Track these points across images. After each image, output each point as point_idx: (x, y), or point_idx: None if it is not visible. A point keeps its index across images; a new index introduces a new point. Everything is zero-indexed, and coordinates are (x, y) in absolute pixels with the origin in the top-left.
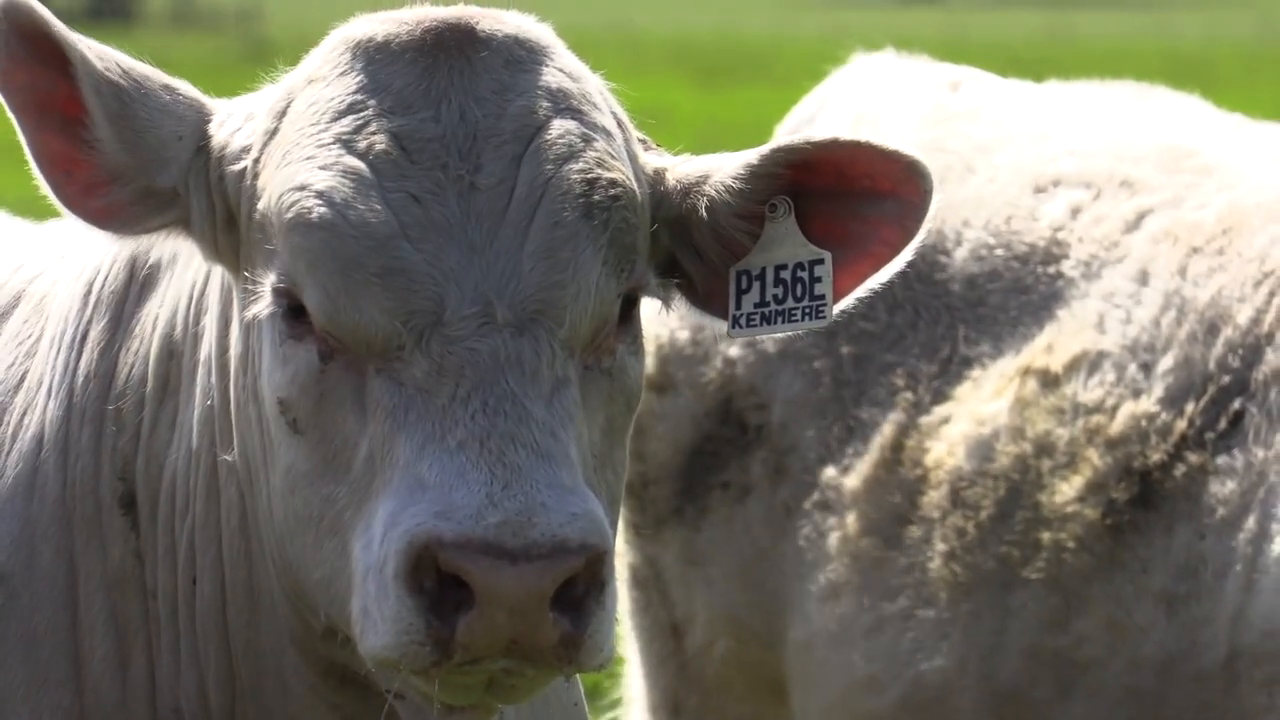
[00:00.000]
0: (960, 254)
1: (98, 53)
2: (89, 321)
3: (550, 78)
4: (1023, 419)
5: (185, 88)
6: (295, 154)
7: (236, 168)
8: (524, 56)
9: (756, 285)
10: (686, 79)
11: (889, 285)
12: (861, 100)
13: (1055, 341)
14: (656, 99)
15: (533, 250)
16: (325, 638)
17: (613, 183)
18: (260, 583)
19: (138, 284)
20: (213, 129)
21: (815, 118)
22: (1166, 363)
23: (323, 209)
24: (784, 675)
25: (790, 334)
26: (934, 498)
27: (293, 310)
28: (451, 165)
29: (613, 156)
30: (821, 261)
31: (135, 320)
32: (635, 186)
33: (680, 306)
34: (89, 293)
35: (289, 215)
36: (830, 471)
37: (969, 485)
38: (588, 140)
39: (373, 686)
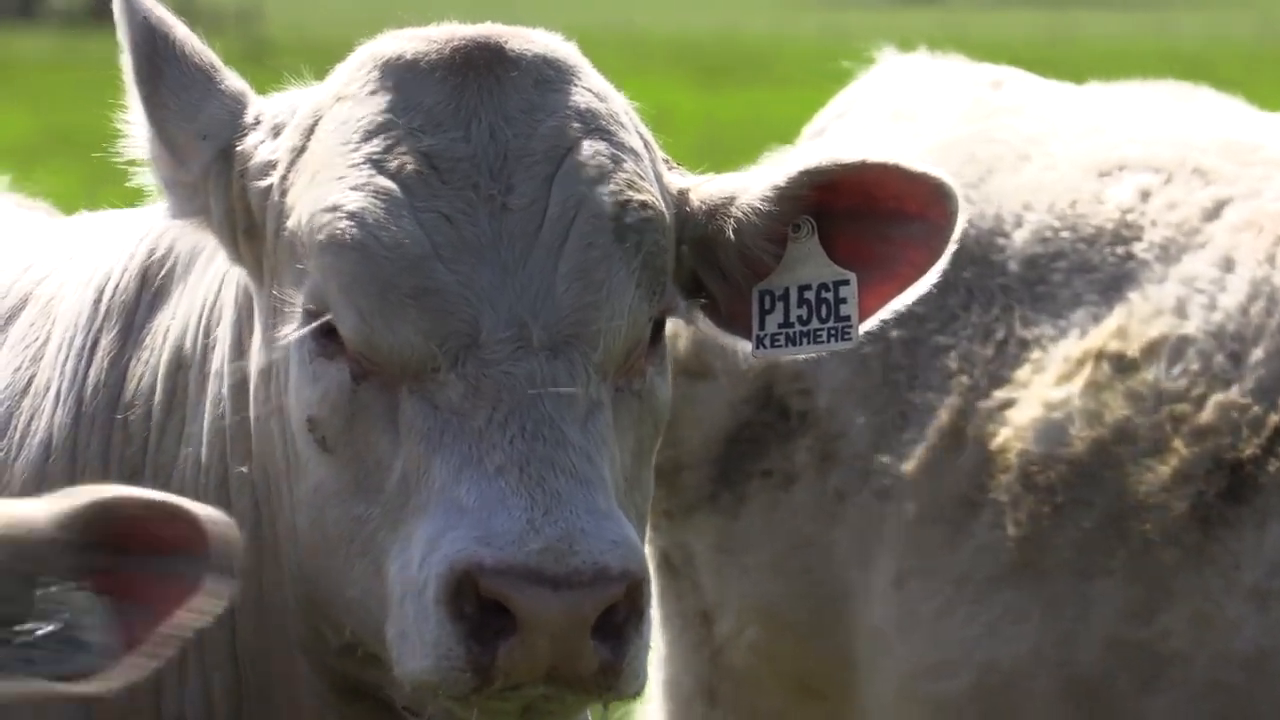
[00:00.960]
0: (1021, 235)
1: (156, 31)
2: (100, 330)
3: (579, 98)
4: (1098, 403)
5: (229, 81)
6: (326, 174)
7: (262, 183)
8: (553, 76)
9: (780, 305)
10: (687, 79)
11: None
12: (897, 97)
13: (1128, 325)
14: (656, 99)
15: (566, 272)
16: (342, 653)
17: (644, 205)
18: (270, 594)
19: (150, 293)
20: (240, 134)
21: (847, 114)
22: (1258, 354)
23: (355, 230)
24: (820, 668)
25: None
26: (1002, 481)
27: (323, 329)
28: (482, 185)
29: (642, 178)
30: (846, 282)
31: (146, 331)
32: (664, 209)
33: (704, 326)
34: (99, 299)
35: (321, 237)
36: (885, 458)
37: (1041, 470)
38: (618, 161)
39: (384, 700)
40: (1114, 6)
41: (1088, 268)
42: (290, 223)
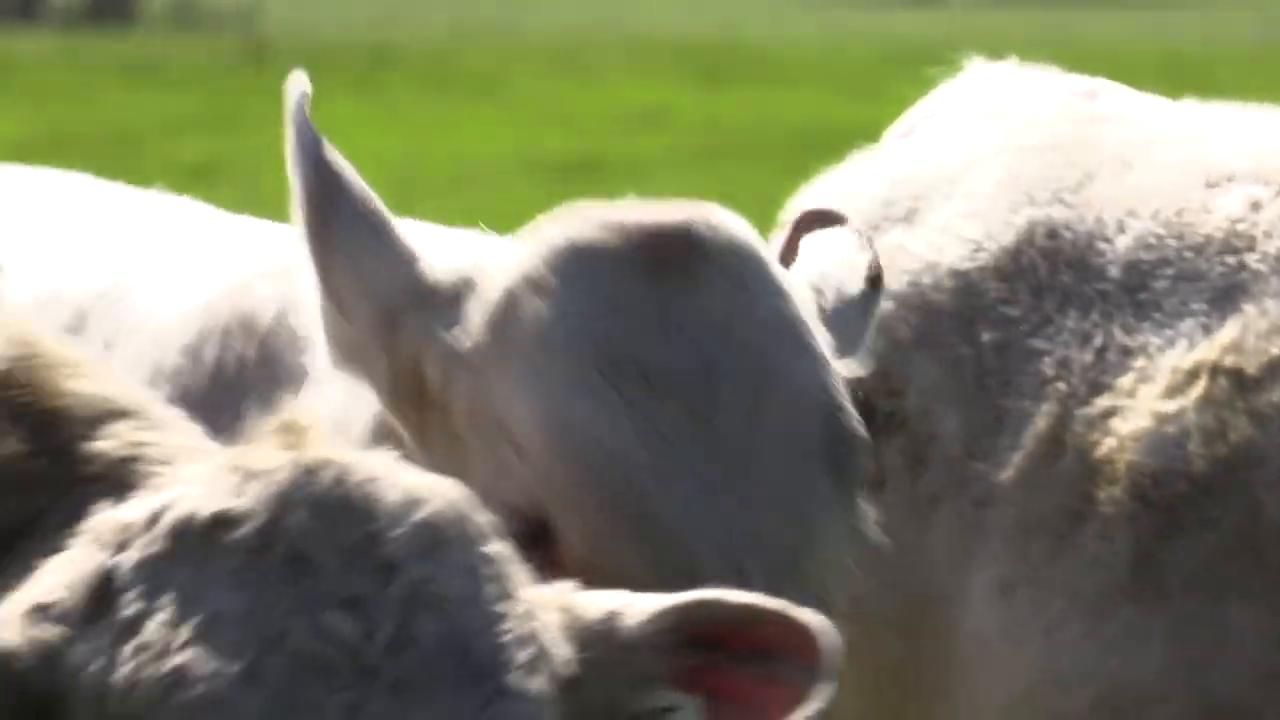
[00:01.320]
0: (1123, 241)
1: (330, 180)
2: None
3: (773, 301)
4: (1217, 421)
5: (399, 239)
6: (543, 375)
7: (447, 362)
8: (742, 270)
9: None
10: (686, 79)
11: (1033, 269)
12: (988, 100)
13: (1244, 339)
14: (656, 99)
15: (784, 513)
16: None
17: (856, 437)
18: None
19: (245, 387)
20: (410, 300)
21: (937, 115)
22: None
23: (588, 445)
24: (908, 667)
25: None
26: (1111, 493)
27: (530, 532)
28: (689, 399)
29: (845, 396)
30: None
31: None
32: (864, 430)
33: None
34: (195, 370)
35: (556, 450)
36: (980, 465)
37: (1154, 484)
38: (824, 387)
39: None
40: (1114, 6)
41: (1195, 276)
42: (501, 414)
